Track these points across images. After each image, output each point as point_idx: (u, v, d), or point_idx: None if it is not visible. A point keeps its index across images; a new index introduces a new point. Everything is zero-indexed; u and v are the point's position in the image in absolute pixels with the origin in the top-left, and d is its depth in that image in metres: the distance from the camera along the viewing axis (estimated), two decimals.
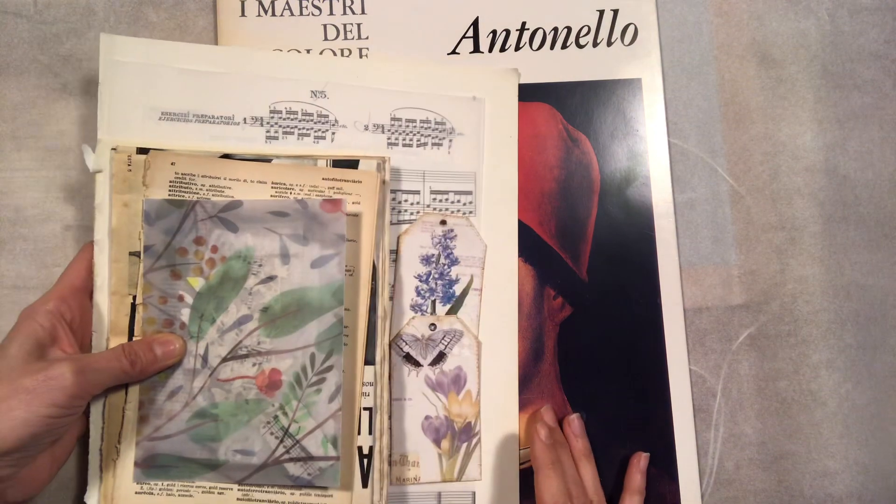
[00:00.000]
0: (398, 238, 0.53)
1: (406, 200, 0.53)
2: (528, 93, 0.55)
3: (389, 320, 0.51)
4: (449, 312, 0.53)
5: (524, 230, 0.54)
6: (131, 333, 0.49)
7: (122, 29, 0.55)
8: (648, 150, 0.55)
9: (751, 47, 0.57)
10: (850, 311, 0.56)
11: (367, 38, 0.55)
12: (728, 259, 0.56)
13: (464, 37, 0.55)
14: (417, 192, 0.53)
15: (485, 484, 0.52)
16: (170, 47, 0.52)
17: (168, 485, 0.48)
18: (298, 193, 0.50)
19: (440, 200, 0.53)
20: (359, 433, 0.49)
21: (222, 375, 0.48)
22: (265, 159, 0.50)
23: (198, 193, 0.49)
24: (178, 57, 0.52)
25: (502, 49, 0.56)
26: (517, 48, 0.56)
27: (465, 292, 0.53)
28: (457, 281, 0.53)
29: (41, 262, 0.53)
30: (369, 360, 0.49)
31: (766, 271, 0.56)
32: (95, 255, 0.49)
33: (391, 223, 0.52)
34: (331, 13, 0.55)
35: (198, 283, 0.49)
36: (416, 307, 0.52)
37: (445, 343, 0.52)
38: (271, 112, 0.52)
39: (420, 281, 0.52)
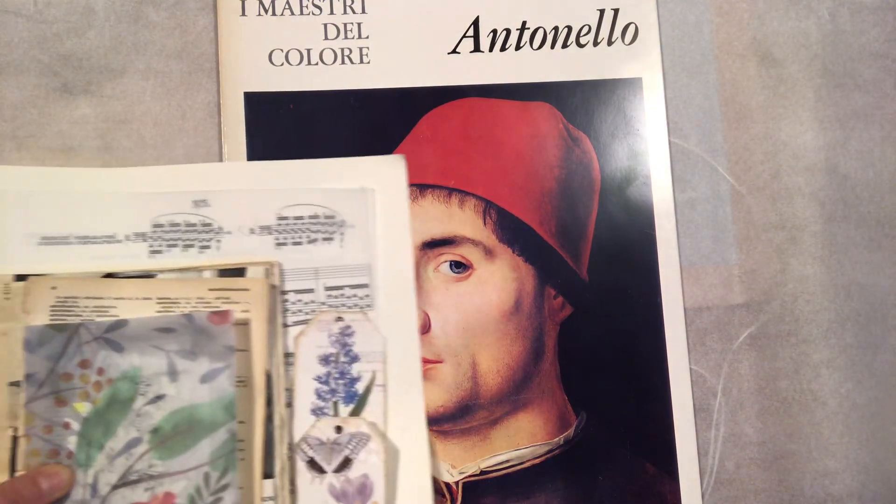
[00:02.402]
0: (295, 340, 0.50)
1: (300, 300, 0.51)
2: (529, 92, 0.55)
3: (288, 429, 0.49)
4: (353, 413, 0.50)
5: (524, 230, 0.54)
6: (13, 469, 0.45)
7: (123, 28, 0.55)
8: (649, 150, 0.55)
9: (751, 46, 0.57)
10: (851, 310, 0.56)
11: (367, 37, 0.55)
12: (728, 258, 0.56)
13: (464, 36, 0.55)
14: (311, 291, 0.51)
15: None
16: (48, 173, 0.51)
17: None
18: (185, 307, 0.48)
19: (335, 297, 0.51)
20: None
21: None
22: (149, 275, 0.49)
23: (81, 315, 0.47)
24: (57, 181, 0.51)
25: (502, 49, 0.55)
26: (517, 47, 0.56)
27: (367, 390, 0.50)
28: (359, 378, 0.50)
29: None
30: (268, 474, 0.48)
31: (766, 271, 0.56)
32: None
33: (285, 326, 0.50)
34: (331, 12, 0.55)
35: (84, 408, 0.46)
36: (316, 411, 0.50)
37: (351, 448, 0.49)
38: (154, 226, 0.51)
39: (320, 383, 0.50)
